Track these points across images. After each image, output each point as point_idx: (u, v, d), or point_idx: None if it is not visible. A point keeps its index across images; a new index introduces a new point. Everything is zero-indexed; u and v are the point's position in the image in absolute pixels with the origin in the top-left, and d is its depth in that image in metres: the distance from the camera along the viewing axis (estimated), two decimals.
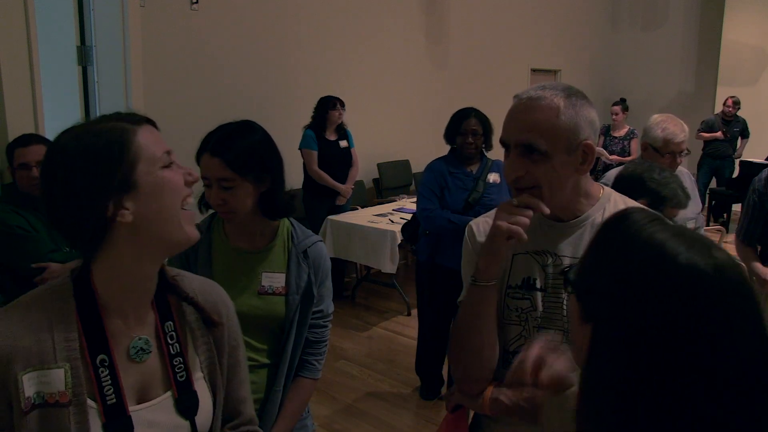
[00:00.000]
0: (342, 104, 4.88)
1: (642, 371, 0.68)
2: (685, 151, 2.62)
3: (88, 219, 0.88)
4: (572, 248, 1.23)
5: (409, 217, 3.89)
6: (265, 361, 1.58)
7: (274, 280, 1.57)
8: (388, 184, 6.18)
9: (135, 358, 0.95)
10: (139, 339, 0.97)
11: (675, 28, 9.07)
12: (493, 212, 1.31)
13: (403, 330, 4.48)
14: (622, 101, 6.93)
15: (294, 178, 5.19)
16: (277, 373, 1.58)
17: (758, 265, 2.74)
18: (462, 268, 1.37)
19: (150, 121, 0.96)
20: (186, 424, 0.99)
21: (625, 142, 6.68)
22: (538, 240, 1.25)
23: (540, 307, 1.24)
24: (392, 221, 4.59)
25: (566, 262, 1.23)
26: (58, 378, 0.88)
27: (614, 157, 6.57)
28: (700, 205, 2.80)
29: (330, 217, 4.76)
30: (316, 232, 4.70)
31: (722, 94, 8.69)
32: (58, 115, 3.91)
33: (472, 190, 3.13)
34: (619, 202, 1.29)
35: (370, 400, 3.49)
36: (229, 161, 1.45)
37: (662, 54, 9.19)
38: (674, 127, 2.61)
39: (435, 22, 6.71)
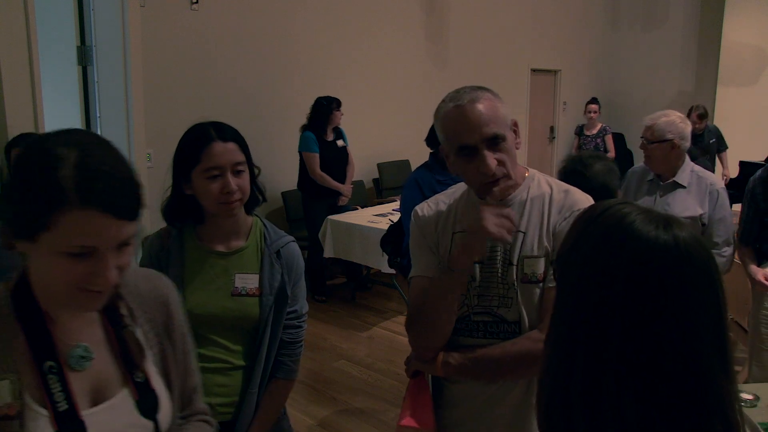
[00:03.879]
0: (340, 104, 4.91)
1: (593, 333, 0.73)
2: (648, 142, 2.71)
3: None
4: None
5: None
6: (240, 362, 1.58)
7: (247, 281, 1.57)
8: (388, 184, 6.18)
9: (76, 367, 0.92)
10: (78, 347, 0.93)
11: (675, 28, 9.07)
12: (438, 196, 1.54)
13: (403, 330, 4.47)
14: (597, 99, 6.99)
15: (290, 178, 5.21)
16: (252, 375, 1.57)
17: (752, 267, 2.75)
18: (410, 248, 1.53)
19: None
20: (149, 423, 0.97)
21: (598, 140, 6.74)
22: (473, 218, 1.38)
23: (478, 278, 1.40)
24: (392, 221, 4.59)
25: None
26: (4, 390, 0.86)
27: None
28: (702, 210, 2.70)
29: (330, 217, 4.76)
30: (316, 233, 4.76)
31: (722, 94, 8.70)
32: (58, 115, 3.91)
33: None
34: (542, 181, 1.45)
35: (370, 400, 3.49)
36: (241, 144, 1.52)
37: (662, 54, 9.19)
38: (653, 115, 2.75)
39: (435, 21, 6.71)
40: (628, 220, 0.74)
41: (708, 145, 6.37)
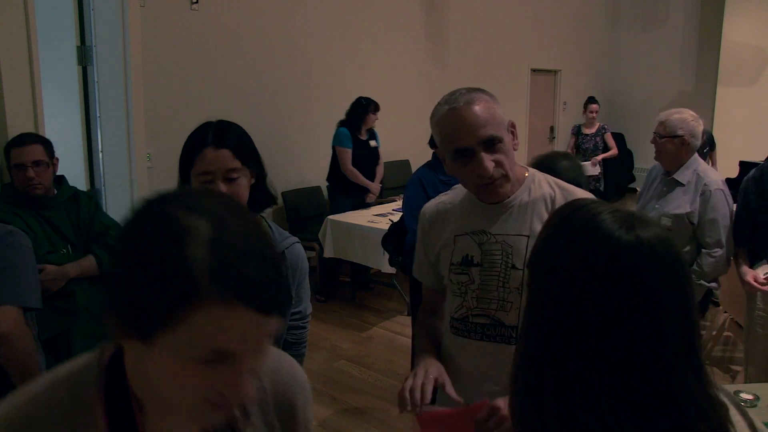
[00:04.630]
0: (378, 107, 5.06)
1: (565, 327, 0.74)
2: (660, 137, 2.80)
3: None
4: (503, 227, 1.39)
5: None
6: None
7: None
8: (388, 184, 6.17)
9: None
10: None
11: (675, 28, 9.07)
12: (442, 197, 1.54)
13: (403, 330, 4.48)
14: (596, 99, 7.03)
15: (290, 178, 5.21)
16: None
17: (743, 268, 2.75)
18: (416, 246, 1.57)
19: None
20: None
21: (597, 138, 6.78)
22: (475, 221, 1.42)
23: (477, 281, 1.40)
24: (392, 221, 4.59)
25: (499, 239, 1.39)
26: None
27: (594, 159, 6.62)
28: (691, 208, 2.76)
29: (330, 216, 4.77)
30: None
31: (722, 94, 8.69)
32: (58, 115, 3.91)
33: None
34: (543, 181, 1.43)
35: (370, 400, 3.49)
36: (236, 150, 1.48)
37: (662, 54, 9.19)
38: (667, 111, 2.84)
39: (435, 21, 6.71)
40: (597, 220, 0.75)
41: (702, 155, 6.42)
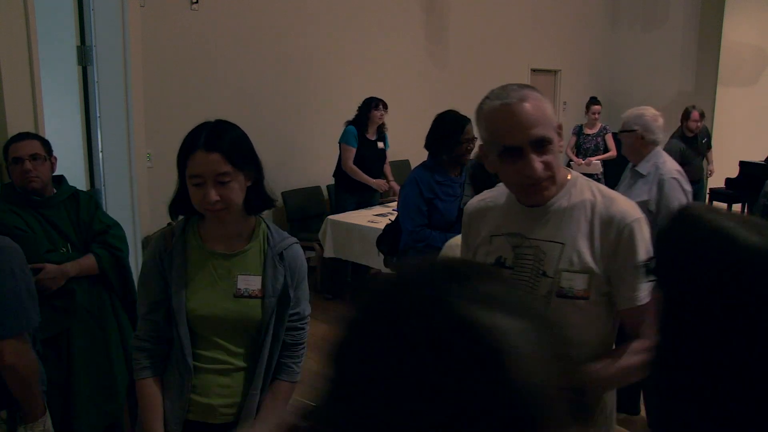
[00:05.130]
0: (384, 106, 5.08)
1: (709, 341, 0.74)
2: (620, 131, 3.05)
3: None
4: (540, 232, 1.35)
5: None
6: (242, 364, 1.58)
7: (250, 282, 1.57)
8: None
9: None
10: None
11: (675, 28, 9.07)
12: (486, 193, 1.51)
13: None
14: (598, 100, 7.04)
15: (290, 179, 5.21)
16: (254, 376, 1.58)
17: None
18: (461, 243, 1.55)
19: None
20: None
21: (599, 138, 6.79)
22: (512, 223, 1.40)
23: None
24: (392, 221, 4.59)
25: (533, 244, 1.35)
26: None
27: (588, 159, 6.61)
28: (649, 196, 2.90)
29: (330, 216, 4.78)
30: None
31: (722, 94, 8.70)
32: (58, 115, 3.91)
33: (461, 197, 3.00)
34: (585, 186, 1.38)
35: None
36: (227, 154, 1.47)
37: (662, 54, 9.19)
38: (632, 108, 3.07)
39: (435, 21, 6.71)
40: (724, 231, 0.76)
41: (701, 146, 6.41)
